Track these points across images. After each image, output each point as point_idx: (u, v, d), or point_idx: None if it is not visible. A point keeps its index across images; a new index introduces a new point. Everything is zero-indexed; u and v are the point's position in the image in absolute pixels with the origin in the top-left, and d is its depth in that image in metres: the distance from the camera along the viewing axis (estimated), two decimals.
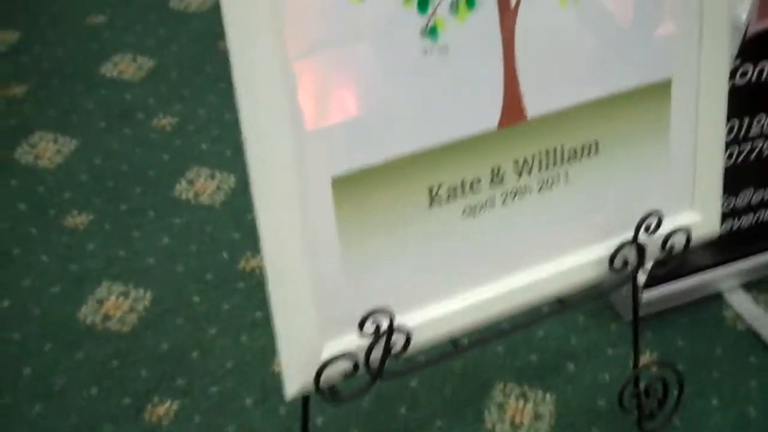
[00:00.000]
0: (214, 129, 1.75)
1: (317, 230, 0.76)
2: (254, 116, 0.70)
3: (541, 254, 0.88)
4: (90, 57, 1.96)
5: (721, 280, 1.32)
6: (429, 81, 0.76)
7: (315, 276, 0.77)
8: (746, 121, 1.12)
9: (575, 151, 0.86)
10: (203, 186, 1.61)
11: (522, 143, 0.83)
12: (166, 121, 1.77)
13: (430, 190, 0.80)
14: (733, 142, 1.14)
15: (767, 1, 1.03)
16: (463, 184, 0.81)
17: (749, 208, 1.25)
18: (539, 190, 0.85)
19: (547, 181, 0.85)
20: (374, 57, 0.73)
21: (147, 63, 1.94)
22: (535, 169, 0.84)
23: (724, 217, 1.24)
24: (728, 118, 0.93)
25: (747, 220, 1.26)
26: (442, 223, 0.81)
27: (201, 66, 1.93)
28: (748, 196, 1.23)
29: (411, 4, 0.72)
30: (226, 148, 1.70)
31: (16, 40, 2.02)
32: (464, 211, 0.82)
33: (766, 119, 1.14)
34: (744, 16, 1.14)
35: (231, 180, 1.62)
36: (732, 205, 1.23)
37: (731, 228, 1.26)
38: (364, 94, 0.74)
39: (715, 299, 1.36)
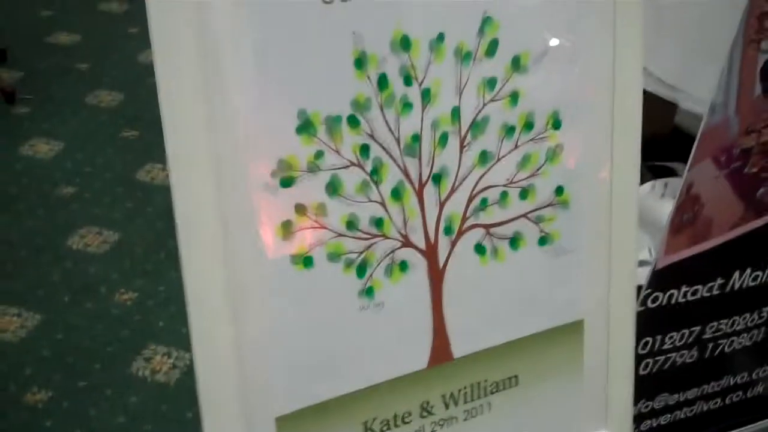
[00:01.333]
0: (173, 306, 1.83)
1: None
2: (203, 363, 0.80)
3: None
4: (58, 229, 2.06)
5: None
6: (365, 332, 0.86)
7: None
8: (659, 338, 1.24)
9: (497, 384, 0.96)
10: (159, 364, 1.69)
11: (449, 380, 0.93)
12: (127, 297, 1.86)
13: (365, 424, 0.89)
14: (648, 355, 1.25)
15: (675, 237, 1.16)
16: (395, 418, 0.91)
17: (666, 410, 1.36)
18: (465, 419, 0.95)
19: (472, 411, 0.95)
20: (315, 312, 0.83)
21: (112, 236, 2.04)
22: (461, 402, 0.94)
23: (645, 417, 1.34)
24: (644, 336, 1.05)
25: (665, 419, 1.36)
26: None
27: (164, 241, 2.04)
28: (664, 400, 1.34)
29: (350, 270, 0.83)
30: (183, 326, 1.78)
31: None
32: None
33: (676, 335, 1.26)
34: (665, 218, 1.25)
35: (186, 358, 1.70)
36: (650, 407, 1.34)
37: (651, 427, 1.36)
38: (305, 343, 0.84)
39: None
